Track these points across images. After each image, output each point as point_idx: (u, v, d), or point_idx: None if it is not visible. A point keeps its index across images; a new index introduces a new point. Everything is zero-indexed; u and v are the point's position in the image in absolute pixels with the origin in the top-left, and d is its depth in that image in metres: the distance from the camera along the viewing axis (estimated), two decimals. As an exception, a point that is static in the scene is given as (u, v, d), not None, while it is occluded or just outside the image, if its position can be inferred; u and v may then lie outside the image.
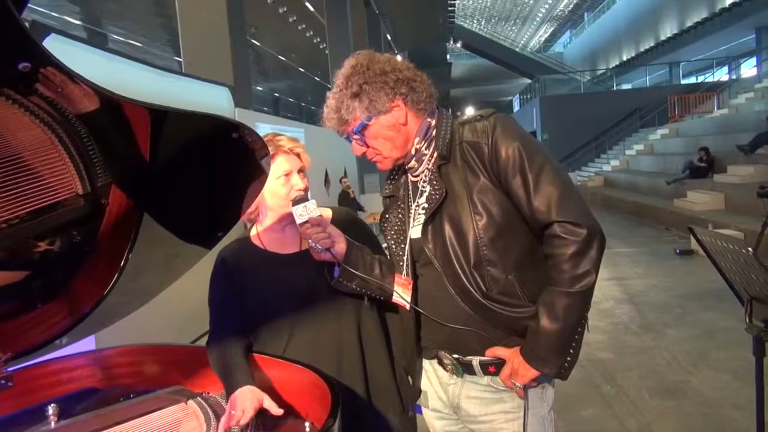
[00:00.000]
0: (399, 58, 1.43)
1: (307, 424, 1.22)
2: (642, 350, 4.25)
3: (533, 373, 1.32)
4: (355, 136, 1.40)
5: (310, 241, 1.42)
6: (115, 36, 15.65)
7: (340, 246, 1.46)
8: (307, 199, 1.43)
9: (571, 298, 1.28)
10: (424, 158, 1.43)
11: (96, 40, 13.97)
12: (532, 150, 1.32)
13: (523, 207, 1.32)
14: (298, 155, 1.58)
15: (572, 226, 1.27)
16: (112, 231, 1.28)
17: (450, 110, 1.49)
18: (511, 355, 1.35)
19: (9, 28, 0.63)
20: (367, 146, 1.41)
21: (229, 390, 1.34)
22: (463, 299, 1.35)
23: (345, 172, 9.89)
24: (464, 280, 1.34)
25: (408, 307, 1.44)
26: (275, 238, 1.60)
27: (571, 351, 1.31)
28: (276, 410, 1.29)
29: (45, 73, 0.80)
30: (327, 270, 1.50)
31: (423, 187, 1.44)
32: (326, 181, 8.86)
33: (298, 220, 1.41)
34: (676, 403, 3.33)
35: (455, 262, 1.35)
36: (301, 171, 1.58)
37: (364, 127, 1.38)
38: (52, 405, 1.23)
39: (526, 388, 1.36)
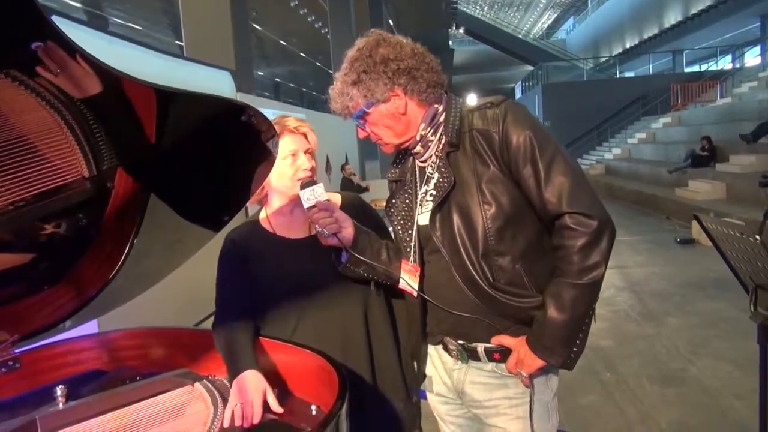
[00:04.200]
0: (407, 41, 1.40)
1: (313, 407, 1.23)
2: (642, 338, 4.26)
3: (539, 362, 1.32)
4: (358, 120, 1.40)
5: (317, 226, 1.41)
6: (115, 19, 15.52)
7: (348, 231, 1.45)
8: (315, 183, 1.42)
9: (580, 290, 1.27)
10: (430, 144, 1.42)
11: (96, 22, 13.86)
12: (543, 139, 1.31)
13: (534, 197, 1.31)
14: (304, 135, 1.56)
15: (583, 218, 1.26)
16: (118, 214, 1.27)
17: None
18: (517, 344, 1.35)
19: (23, 6, 0.62)
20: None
21: (233, 373, 1.33)
22: (470, 288, 1.34)
23: (346, 159, 9.85)
24: (471, 269, 1.33)
25: (415, 294, 1.44)
26: (284, 221, 1.60)
27: (577, 342, 1.31)
28: (276, 407, 1.27)
29: (56, 53, 0.79)
30: (334, 255, 1.50)
31: (431, 173, 1.43)
32: (327, 167, 8.83)
33: (306, 205, 1.40)
34: (676, 391, 3.34)
35: (463, 251, 1.34)
36: (308, 152, 1.56)
37: (364, 114, 1.38)
38: (61, 386, 1.24)
39: (531, 376, 1.37)
